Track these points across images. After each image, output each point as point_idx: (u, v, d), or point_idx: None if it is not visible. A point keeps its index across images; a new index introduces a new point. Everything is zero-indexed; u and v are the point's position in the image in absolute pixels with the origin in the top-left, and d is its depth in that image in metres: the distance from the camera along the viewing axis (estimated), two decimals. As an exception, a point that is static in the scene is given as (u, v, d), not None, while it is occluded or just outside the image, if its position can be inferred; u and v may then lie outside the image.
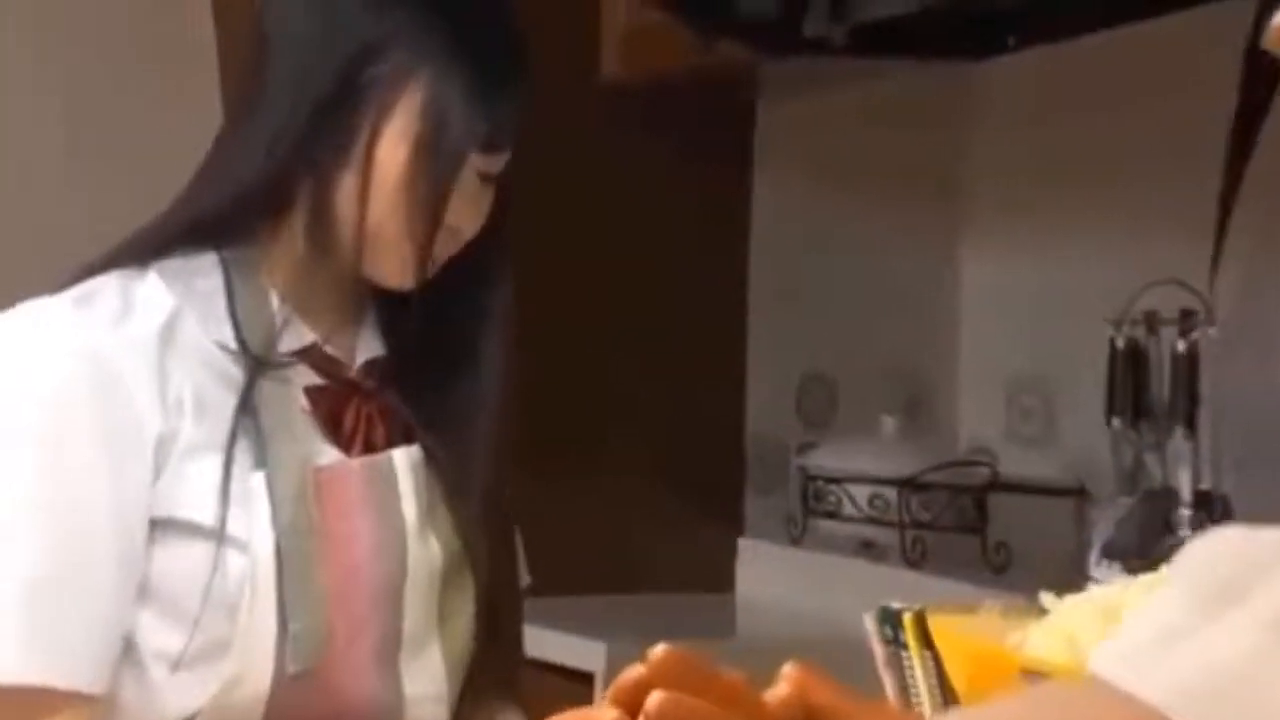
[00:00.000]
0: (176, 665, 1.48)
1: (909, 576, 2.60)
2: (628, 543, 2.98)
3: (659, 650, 0.79)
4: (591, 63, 2.88)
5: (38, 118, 3.10)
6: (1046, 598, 1.22)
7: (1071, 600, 1.16)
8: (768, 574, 2.98)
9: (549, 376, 3.01)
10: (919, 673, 1.24)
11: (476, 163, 1.57)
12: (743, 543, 3.10)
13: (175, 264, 1.57)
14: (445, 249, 1.58)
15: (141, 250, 1.58)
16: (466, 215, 1.58)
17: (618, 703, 0.79)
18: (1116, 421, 2.26)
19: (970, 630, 1.17)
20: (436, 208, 1.54)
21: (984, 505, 2.68)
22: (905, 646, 1.24)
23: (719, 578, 3.07)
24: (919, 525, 2.70)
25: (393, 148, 1.53)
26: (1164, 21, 2.32)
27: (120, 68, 3.13)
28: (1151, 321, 2.23)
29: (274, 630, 1.49)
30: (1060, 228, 2.62)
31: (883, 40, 2.54)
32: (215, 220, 1.57)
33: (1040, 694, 0.87)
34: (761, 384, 3.16)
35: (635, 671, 0.79)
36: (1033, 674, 0.99)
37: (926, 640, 1.26)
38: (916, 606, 1.25)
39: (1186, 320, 2.17)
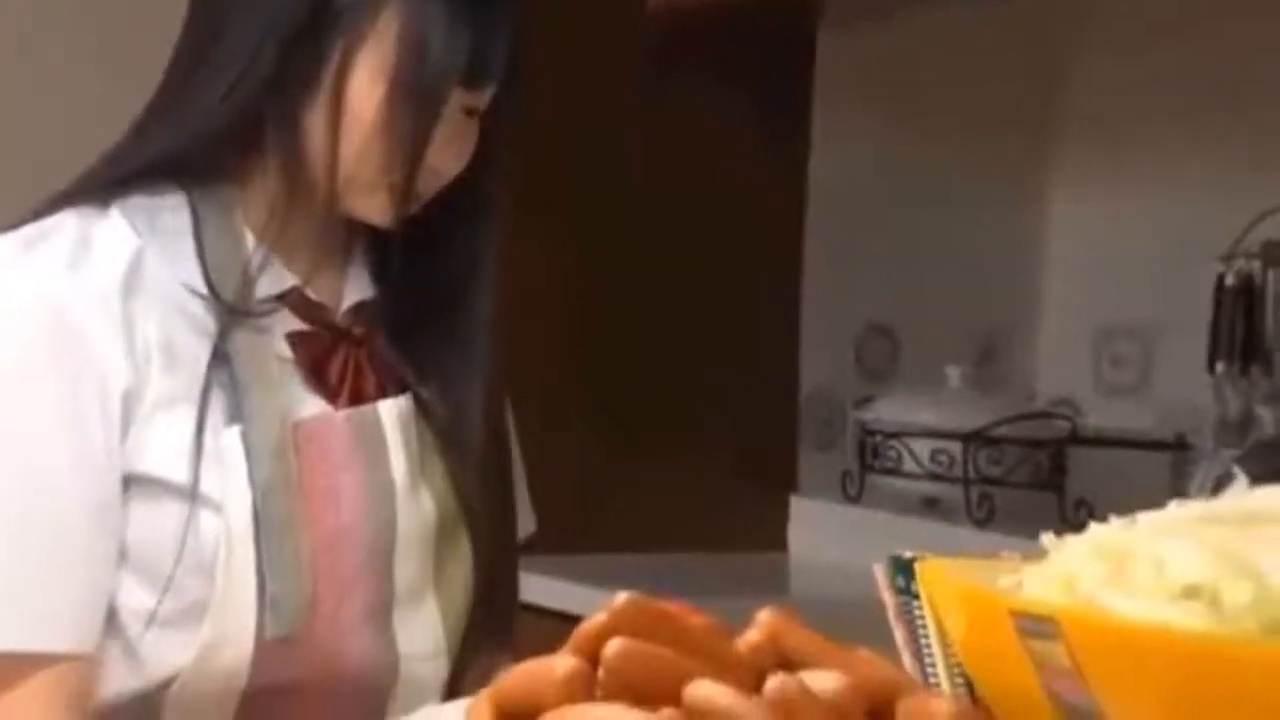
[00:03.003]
0: (150, 624, 1.42)
1: (975, 535, 2.48)
2: (675, 500, 2.87)
3: (621, 597, 0.78)
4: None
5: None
6: (1046, 538, 1.07)
7: (1071, 541, 1.01)
8: (822, 533, 2.89)
9: (587, 327, 2.83)
10: (931, 624, 1.08)
11: (460, 97, 1.47)
12: (796, 500, 3.01)
13: (138, 200, 1.48)
14: (426, 188, 1.50)
15: (100, 186, 1.48)
16: (447, 155, 1.49)
17: (579, 651, 0.78)
18: (1220, 366, 2.05)
19: (965, 574, 1.01)
20: (416, 151, 1.45)
21: (1062, 460, 2.55)
22: (916, 596, 1.08)
23: (771, 537, 2.97)
24: (987, 481, 2.58)
25: (366, 83, 1.44)
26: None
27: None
28: (1270, 253, 2.02)
29: (253, 594, 1.42)
30: (1165, 159, 2.47)
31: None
32: (180, 157, 1.48)
33: None
34: (817, 335, 3.05)
35: (597, 619, 0.78)
36: (1023, 616, 0.84)
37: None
38: (928, 555, 1.10)
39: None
